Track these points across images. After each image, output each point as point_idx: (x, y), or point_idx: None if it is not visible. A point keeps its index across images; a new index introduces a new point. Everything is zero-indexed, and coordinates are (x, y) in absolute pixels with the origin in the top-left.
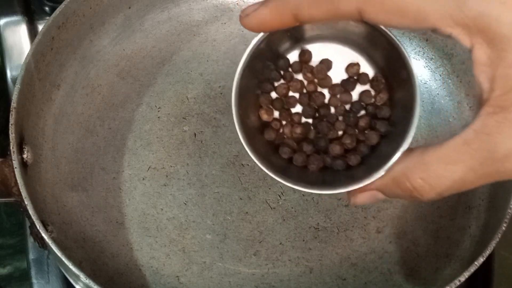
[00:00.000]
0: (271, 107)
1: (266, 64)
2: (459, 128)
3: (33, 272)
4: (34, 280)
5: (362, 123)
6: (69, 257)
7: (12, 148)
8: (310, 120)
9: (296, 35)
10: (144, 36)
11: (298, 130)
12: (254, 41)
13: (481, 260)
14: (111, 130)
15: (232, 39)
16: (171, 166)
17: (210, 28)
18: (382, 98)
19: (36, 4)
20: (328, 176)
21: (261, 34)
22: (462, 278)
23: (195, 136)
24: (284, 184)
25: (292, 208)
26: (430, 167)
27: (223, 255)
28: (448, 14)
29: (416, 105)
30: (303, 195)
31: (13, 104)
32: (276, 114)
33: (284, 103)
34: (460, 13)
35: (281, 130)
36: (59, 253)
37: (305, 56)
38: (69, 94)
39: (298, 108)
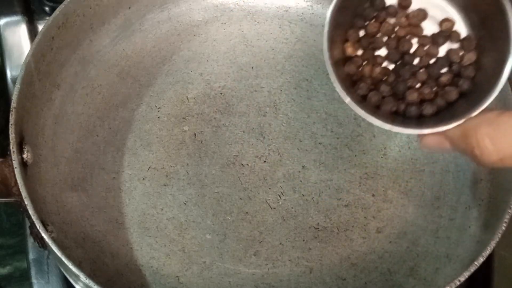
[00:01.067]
0: (358, 43)
1: (362, 0)
2: None
3: (33, 272)
4: (34, 280)
5: (444, 79)
6: (69, 257)
7: (12, 148)
8: (391, 66)
9: None
10: (144, 36)
11: (378, 70)
12: None
13: (481, 260)
14: (111, 130)
15: (232, 39)
16: (171, 166)
17: (210, 28)
18: (469, 59)
19: (36, 4)
20: (397, 121)
21: None
22: (462, 278)
23: (195, 136)
24: (362, 115)
25: (292, 208)
26: (501, 129)
27: (223, 255)
28: None
29: (507, 66)
30: (303, 195)
31: (13, 104)
32: (361, 52)
33: (371, 42)
34: None
35: (361, 68)
36: (59, 253)
37: (406, 1)
38: (69, 94)
39: (383, 51)
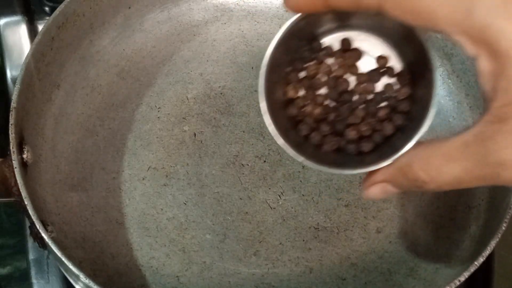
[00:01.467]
0: (299, 85)
1: (300, 43)
2: (459, 128)
3: (33, 272)
4: (34, 280)
5: (381, 113)
6: (69, 257)
7: (12, 148)
8: (332, 104)
9: (335, 21)
10: (144, 36)
11: (319, 110)
12: (291, 20)
13: (481, 260)
14: (111, 130)
15: (232, 39)
16: (171, 166)
17: (210, 28)
18: (404, 93)
19: (36, 4)
20: (339, 159)
21: (299, 14)
22: (462, 278)
23: (195, 136)
24: (296, 159)
25: (292, 208)
26: (432, 161)
27: (223, 255)
28: (457, 22)
29: (432, 104)
30: (303, 195)
31: (13, 104)
32: (302, 92)
33: (311, 83)
34: (467, 22)
35: (303, 109)
36: (59, 253)
37: (345, 43)
38: (69, 94)
39: (323, 90)
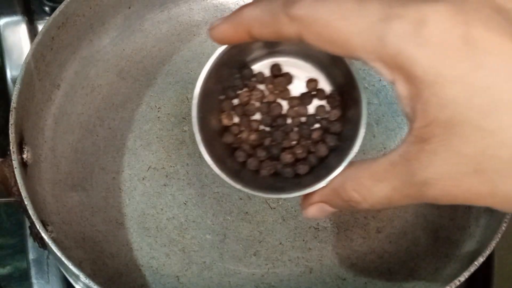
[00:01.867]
0: (232, 112)
1: (231, 71)
2: None
3: (33, 272)
4: (34, 280)
5: (314, 135)
6: (69, 257)
7: (12, 148)
8: (267, 128)
9: (264, 48)
10: (144, 36)
11: (254, 136)
12: (220, 50)
13: (481, 260)
14: (111, 130)
15: None
16: (171, 166)
17: None
18: (335, 114)
19: (36, 4)
20: (278, 182)
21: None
22: (462, 278)
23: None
24: (234, 187)
25: (292, 208)
26: (362, 181)
27: (223, 255)
28: (371, 50)
29: (362, 124)
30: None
31: (13, 104)
32: (236, 119)
33: (245, 110)
34: (381, 50)
35: (239, 135)
36: (59, 253)
37: (275, 69)
38: (69, 94)
39: (257, 116)
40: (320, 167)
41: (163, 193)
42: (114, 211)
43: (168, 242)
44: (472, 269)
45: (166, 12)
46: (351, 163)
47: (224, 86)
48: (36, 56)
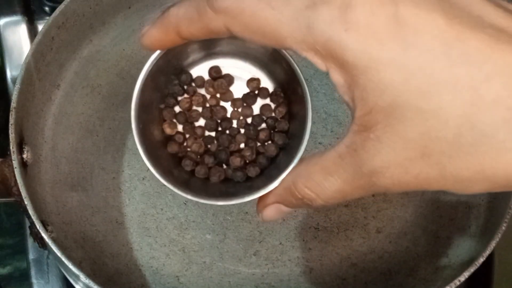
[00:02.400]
0: (175, 121)
1: (169, 78)
2: None
3: (33, 272)
4: (34, 280)
5: (262, 135)
6: (69, 257)
7: (12, 148)
8: (212, 133)
9: (201, 50)
10: None
11: (200, 142)
12: (153, 57)
13: (481, 260)
14: (111, 130)
15: None
16: None
17: None
18: (280, 112)
19: (36, 4)
20: (230, 187)
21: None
22: (462, 278)
23: None
24: (185, 197)
25: None
26: (313, 177)
27: (223, 255)
28: (301, 39)
29: (308, 120)
30: None
31: (13, 104)
32: (180, 127)
33: (187, 117)
34: (310, 38)
35: (184, 143)
36: (59, 253)
37: (213, 71)
38: (69, 94)
39: (201, 122)
40: (271, 168)
41: (163, 193)
42: (114, 211)
43: (168, 242)
44: (472, 269)
45: None
46: (301, 160)
47: (163, 94)
48: (36, 56)
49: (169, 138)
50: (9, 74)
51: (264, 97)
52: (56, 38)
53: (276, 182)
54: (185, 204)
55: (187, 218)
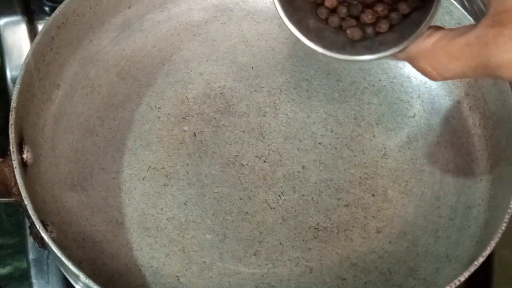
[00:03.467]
0: None
1: None
2: (459, 127)
3: (33, 272)
4: (34, 280)
5: None
6: (69, 257)
7: (12, 148)
8: None
9: None
10: (144, 36)
11: None
12: None
13: (481, 260)
14: (111, 130)
15: (232, 39)
16: (171, 166)
17: (210, 28)
18: None
19: (36, 4)
20: (360, 42)
21: None
22: (462, 278)
23: (195, 136)
24: (316, 50)
25: (292, 208)
26: (438, 59)
27: (223, 255)
28: None
29: None
30: (303, 195)
31: (13, 104)
32: None
33: None
34: None
35: None
36: (59, 253)
37: None
38: (69, 94)
39: None
40: (404, 25)
41: (163, 193)
42: (114, 211)
43: (168, 242)
44: (472, 269)
45: (166, 12)
46: (427, 34)
47: None
48: (36, 56)
49: None
50: (9, 74)
51: None
52: (56, 38)
53: (408, 41)
54: (185, 204)
55: (187, 218)
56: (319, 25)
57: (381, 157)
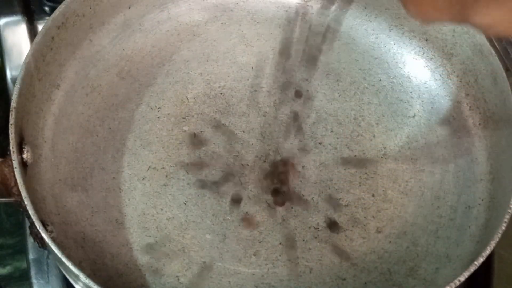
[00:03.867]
0: None
1: None
2: (459, 127)
3: (33, 272)
4: (34, 280)
5: None
6: (69, 257)
7: (12, 148)
8: None
9: None
10: (144, 36)
11: None
12: None
13: (481, 260)
14: (111, 130)
15: (232, 39)
16: (171, 166)
17: (210, 28)
18: None
19: (36, 4)
20: None
21: None
22: (462, 278)
23: (195, 136)
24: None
25: (292, 208)
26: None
27: (223, 255)
28: None
29: None
30: (303, 195)
31: (13, 104)
32: None
33: None
34: None
35: None
36: (58, 253)
37: None
38: (69, 94)
39: None
40: None
41: (163, 193)
42: (114, 211)
43: (168, 242)
44: (472, 269)
45: (166, 12)
46: None
47: None
48: (36, 56)
49: None
50: (9, 74)
51: None
52: (56, 38)
53: None
54: (185, 204)
55: (187, 218)
56: None
57: (381, 157)
